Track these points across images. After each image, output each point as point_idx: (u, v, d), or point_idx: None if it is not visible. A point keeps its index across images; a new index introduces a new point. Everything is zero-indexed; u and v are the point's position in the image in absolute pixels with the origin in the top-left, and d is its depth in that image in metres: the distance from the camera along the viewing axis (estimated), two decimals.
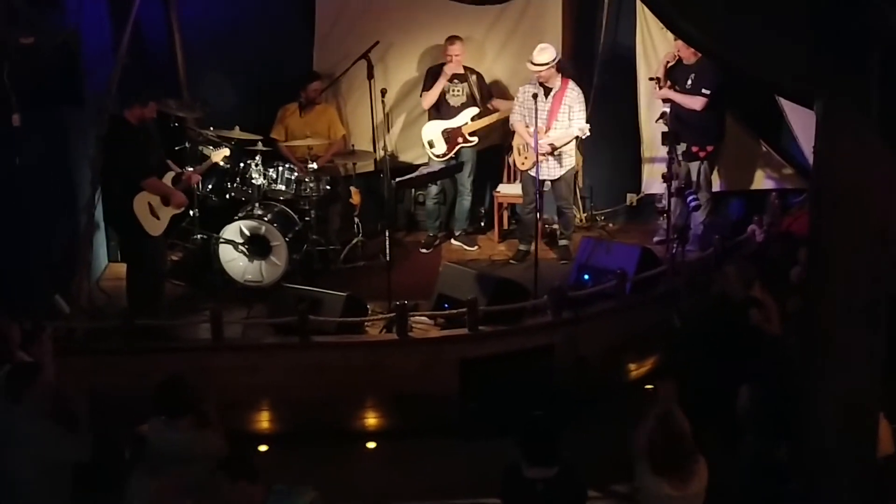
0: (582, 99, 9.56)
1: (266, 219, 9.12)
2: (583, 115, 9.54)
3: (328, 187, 9.62)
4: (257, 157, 9.31)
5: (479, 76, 10.08)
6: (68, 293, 8.08)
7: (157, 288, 8.60)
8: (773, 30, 4.81)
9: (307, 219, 9.52)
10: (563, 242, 9.95)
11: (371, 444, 7.86)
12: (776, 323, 7.00)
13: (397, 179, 9.12)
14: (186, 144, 9.51)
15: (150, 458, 5.63)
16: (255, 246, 9.11)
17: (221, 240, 9.14)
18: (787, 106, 9.47)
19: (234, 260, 9.17)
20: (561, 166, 9.62)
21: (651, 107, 10.05)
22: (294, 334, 7.77)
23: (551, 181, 9.67)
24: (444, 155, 10.01)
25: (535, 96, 9.05)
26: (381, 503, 7.22)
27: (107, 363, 7.64)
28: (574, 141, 9.62)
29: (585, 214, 10.71)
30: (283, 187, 9.44)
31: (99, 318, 8.33)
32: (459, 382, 7.78)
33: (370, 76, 9.77)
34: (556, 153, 9.49)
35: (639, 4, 9.66)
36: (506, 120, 9.89)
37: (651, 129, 10.09)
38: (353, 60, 9.90)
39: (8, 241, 7.62)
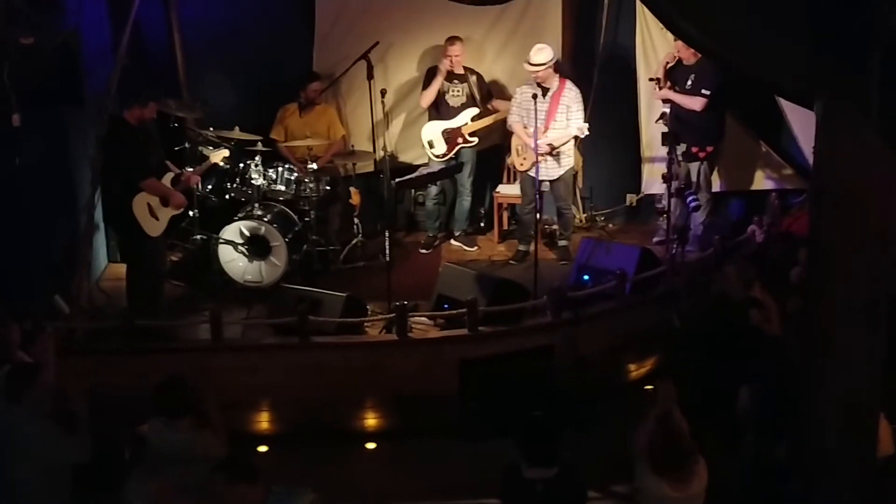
0: (580, 98, 9.56)
1: (266, 219, 9.11)
2: (581, 114, 9.54)
3: (328, 188, 9.61)
4: (257, 158, 9.31)
5: (479, 76, 10.07)
6: (68, 293, 8.09)
7: (156, 288, 8.60)
8: (772, 30, 4.81)
9: (307, 219, 9.51)
10: (562, 243, 9.94)
11: (371, 445, 7.85)
12: (776, 323, 6.99)
13: (397, 180, 9.11)
14: (186, 145, 9.51)
15: (149, 459, 5.62)
16: (255, 246, 9.11)
17: (221, 240, 9.14)
18: (786, 106, 9.47)
19: (233, 260, 9.17)
20: (559, 166, 9.62)
21: (651, 107, 10.04)
22: (294, 335, 7.76)
23: (550, 182, 9.66)
24: (444, 155, 10.00)
25: (535, 97, 9.05)
26: (380, 503, 7.21)
27: (106, 363, 7.64)
28: (573, 141, 9.62)
29: (585, 215, 10.71)
30: (282, 188, 9.44)
31: (99, 319, 8.33)
32: (459, 383, 7.77)
33: (370, 76, 9.77)
34: (554, 153, 9.49)
35: (639, 5, 9.66)
36: (505, 120, 9.89)
37: (651, 129, 10.08)
38: (352, 61, 9.90)
39: (8, 241, 7.61)
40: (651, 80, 9.78)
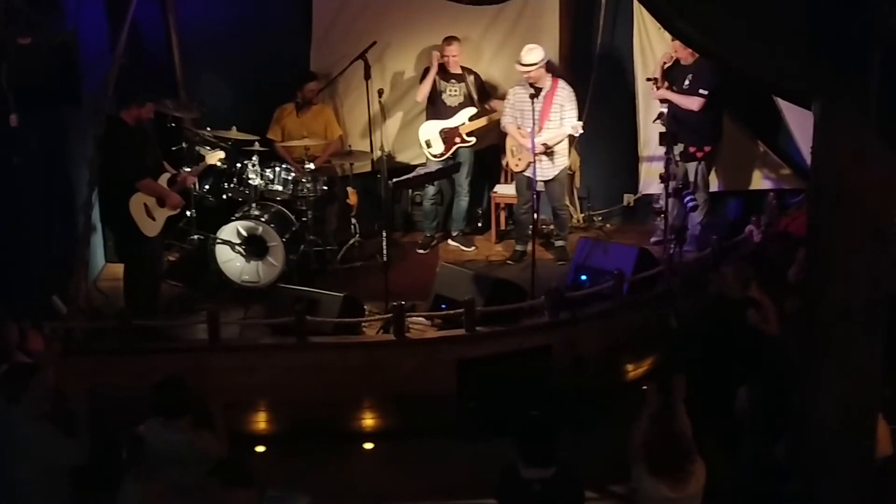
0: (573, 97, 9.55)
1: (263, 219, 9.11)
2: (574, 113, 9.53)
3: (325, 188, 9.61)
4: (254, 158, 9.30)
5: (477, 76, 10.08)
6: (66, 293, 8.07)
7: (153, 288, 8.61)
8: (771, 30, 4.81)
9: (304, 219, 9.51)
10: (558, 244, 9.94)
11: (368, 445, 7.84)
12: (774, 323, 6.99)
13: (394, 180, 9.11)
14: (183, 145, 9.51)
15: (146, 459, 5.62)
16: (252, 246, 9.11)
17: (218, 240, 9.14)
18: (784, 106, 9.49)
19: (231, 260, 9.16)
20: (554, 166, 9.62)
21: (648, 107, 10.05)
22: (291, 335, 7.75)
23: (545, 182, 9.65)
24: (442, 155, 10.00)
25: (532, 97, 9.06)
26: (378, 503, 7.21)
27: (104, 363, 7.63)
28: (567, 140, 9.62)
29: (583, 215, 10.71)
30: (279, 188, 9.44)
31: (96, 319, 8.33)
32: (457, 383, 7.76)
33: (367, 76, 9.77)
34: (548, 152, 9.48)
35: (636, 5, 9.68)
36: None
37: (648, 129, 10.09)
38: (350, 61, 9.89)
39: (5, 241, 7.60)
40: (648, 79, 9.78)
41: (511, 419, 5.64)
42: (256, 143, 9.37)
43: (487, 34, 10.31)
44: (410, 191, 10.57)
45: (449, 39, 9.82)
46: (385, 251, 8.62)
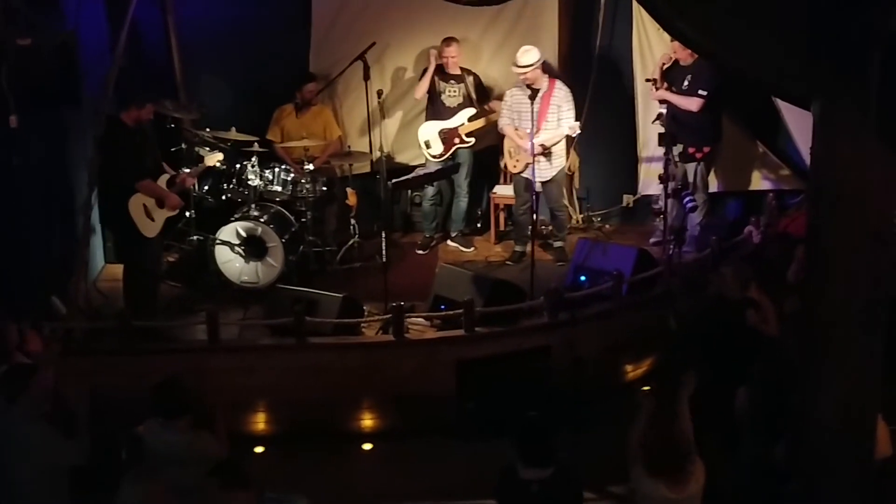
0: (570, 97, 9.55)
1: (262, 220, 9.11)
2: (571, 113, 9.53)
3: (324, 188, 9.61)
4: (253, 159, 9.31)
5: (476, 77, 10.08)
6: (65, 294, 8.08)
7: (153, 289, 8.61)
8: (770, 31, 4.81)
9: (303, 220, 9.51)
10: (557, 244, 9.94)
11: (367, 446, 7.84)
12: (773, 324, 6.99)
13: (394, 180, 9.11)
14: (183, 146, 9.52)
15: (146, 459, 5.61)
16: (252, 247, 9.11)
17: (218, 241, 9.14)
18: (783, 106, 9.49)
19: (230, 261, 9.16)
20: (552, 166, 9.62)
21: (647, 108, 10.05)
22: (290, 336, 7.76)
23: (543, 183, 9.64)
24: (441, 156, 10.00)
25: (531, 97, 9.06)
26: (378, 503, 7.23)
27: (103, 364, 7.63)
28: (564, 141, 9.63)
29: (582, 215, 10.71)
30: (279, 188, 9.44)
31: (96, 319, 8.33)
32: (456, 383, 7.77)
33: (366, 77, 9.76)
34: (546, 153, 9.48)
35: (635, 5, 9.66)
36: None
37: (648, 130, 10.09)
38: (349, 61, 9.88)
39: (5, 241, 7.60)
40: (648, 80, 9.78)
41: (510, 420, 5.64)
42: (255, 143, 9.37)
43: (486, 35, 10.31)
44: (410, 191, 10.58)
45: (448, 40, 9.82)
46: (384, 252, 8.62)
